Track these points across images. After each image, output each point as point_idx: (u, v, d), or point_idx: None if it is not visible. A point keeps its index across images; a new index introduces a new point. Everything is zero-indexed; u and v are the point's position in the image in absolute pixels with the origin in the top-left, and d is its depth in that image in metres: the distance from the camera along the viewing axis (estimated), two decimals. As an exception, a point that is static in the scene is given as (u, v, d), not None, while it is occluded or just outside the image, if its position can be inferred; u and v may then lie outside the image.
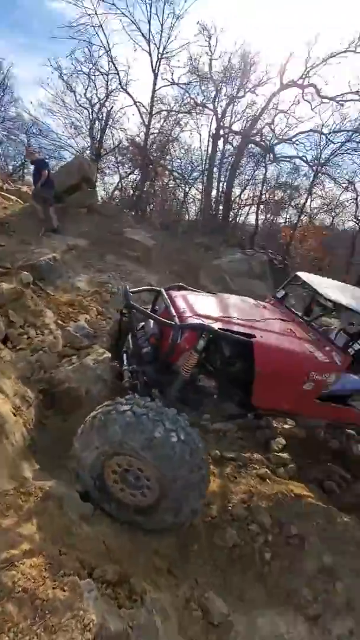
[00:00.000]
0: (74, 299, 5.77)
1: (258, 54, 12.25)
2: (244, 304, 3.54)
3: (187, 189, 15.10)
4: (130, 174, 14.22)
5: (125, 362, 3.04)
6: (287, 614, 2.15)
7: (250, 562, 2.54)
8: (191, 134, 14.58)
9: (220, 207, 13.95)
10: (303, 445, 4.10)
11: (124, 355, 3.14)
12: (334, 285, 3.80)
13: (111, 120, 12.15)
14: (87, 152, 12.58)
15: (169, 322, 2.68)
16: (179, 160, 14.88)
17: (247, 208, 15.69)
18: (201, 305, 3.06)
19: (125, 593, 1.78)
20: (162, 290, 3.29)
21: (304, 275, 3.83)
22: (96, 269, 7.28)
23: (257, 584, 2.41)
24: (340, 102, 10.87)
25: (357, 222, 15.34)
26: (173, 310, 2.84)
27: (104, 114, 12.32)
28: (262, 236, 14.81)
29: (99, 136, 12.45)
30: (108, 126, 12.28)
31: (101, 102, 12.28)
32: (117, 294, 6.33)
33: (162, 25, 11.19)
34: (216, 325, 2.71)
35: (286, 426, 4.37)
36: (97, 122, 12.41)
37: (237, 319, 2.98)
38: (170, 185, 14.51)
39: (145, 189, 12.80)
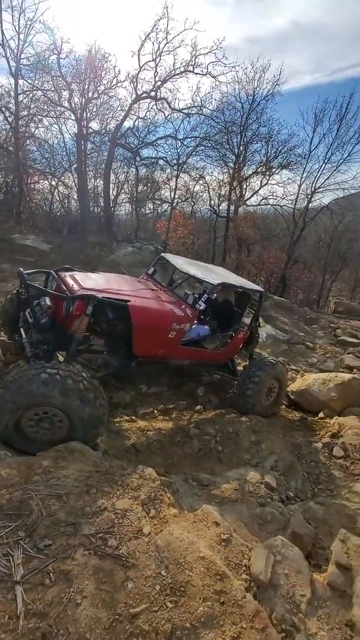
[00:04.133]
0: (-9, 311, 5.83)
1: (107, 57, 13.06)
2: (121, 279, 4.44)
3: (55, 185, 15.03)
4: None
5: (24, 336, 3.45)
6: (242, 468, 3.52)
7: (211, 455, 3.84)
8: (49, 130, 14.41)
9: (95, 204, 14.57)
10: (217, 386, 5.59)
11: (21, 330, 3.55)
12: (188, 262, 5.14)
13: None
14: None
15: (62, 294, 3.31)
16: (42, 158, 14.64)
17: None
18: (87, 281, 3.65)
19: (155, 476, 2.79)
20: (52, 271, 3.81)
21: (167, 256, 5.05)
22: (-4, 278, 7.20)
23: (219, 463, 3.72)
24: (188, 114, 12.97)
25: (213, 210, 18.27)
26: (64, 286, 3.46)
27: None
28: (129, 228, 16.08)
29: None
30: None
31: None
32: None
33: (18, 31, 10.82)
34: (100, 295, 3.35)
35: (203, 376, 5.81)
36: None
37: (116, 289, 3.71)
38: (40, 184, 14.23)
39: (20, 192, 12.32)
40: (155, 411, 4.52)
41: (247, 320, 5.32)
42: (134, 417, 4.26)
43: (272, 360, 4.84)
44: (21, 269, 3.46)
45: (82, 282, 3.60)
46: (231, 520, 2.36)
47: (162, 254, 5.12)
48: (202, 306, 4.18)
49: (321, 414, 5.14)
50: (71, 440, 2.84)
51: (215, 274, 4.77)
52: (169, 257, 4.99)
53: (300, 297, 20.55)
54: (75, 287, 3.47)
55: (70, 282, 3.57)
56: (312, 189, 16.57)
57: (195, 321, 4.71)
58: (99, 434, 3.07)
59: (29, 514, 2.02)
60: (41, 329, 3.29)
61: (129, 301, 3.55)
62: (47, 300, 3.38)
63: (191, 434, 4.09)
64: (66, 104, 12.99)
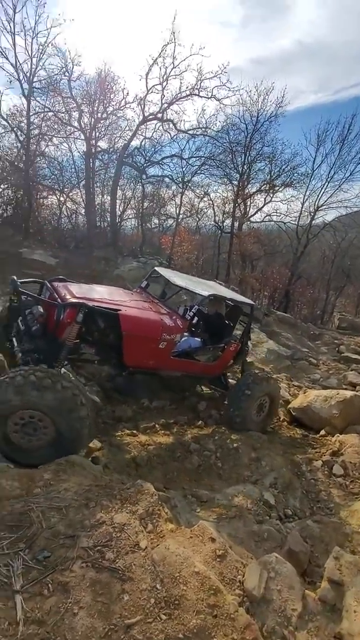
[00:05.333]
0: None
1: (116, 79, 13.61)
2: (114, 290, 4.53)
3: (63, 201, 15.48)
4: (1, 190, 13.80)
5: (16, 345, 3.47)
6: (241, 484, 3.53)
7: (210, 470, 3.86)
8: (58, 148, 14.96)
9: (102, 219, 14.98)
10: (218, 401, 5.62)
11: (14, 339, 3.56)
12: (180, 275, 5.25)
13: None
14: None
15: (53, 302, 3.39)
16: (52, 175, 15.13)
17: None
18: (79, 291, 3.71)
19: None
20: (46, 281, 3.91)
21: (159, 270, 5.14)
22: (5, 292, 7.36)
23: (218, 479, 3.74)
24: (193, 135, 13.44)
25: (217, 226, 18.60)
26: (56, 295, 3.55)
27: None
28: (135, 242, 16.41)
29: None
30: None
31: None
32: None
33: (30, 55, 11.46)
34: (91, 303, 3.43)
35: (205, 392, 5.84)
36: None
37: (108, 299, 3.78)
38: (48, 200, 14.68)
39: (29, 208, 12.74)
40: (156, 425, 4.56)
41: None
42: (135, 431, 4.30)
43: (264, 375, 4.85)
44: (14, 277, 3.54)
45: (74, 291, 3.69)
46: (227, 536, 2.39)
47: (155, 268, 5.22)
48: (192, 316, 4.26)
49: (322, 432, 5.13)
50: (64, 435, 2.83)
51: (207, 287, 4.87)
52: (162, 270, 5.10)
53: (304, 312, 20.58)
54: (67, 295, 3.55)
55: (63, 291, 3.66)
56: (315, 206, 16.83)
57: (186, 333, 4.77)
58: (84, 418, 2.90)
59: (30, 526, 2.08)
60: (32, 337, 3.34)
61: (120, 310, 3.62)
62: (40, 308, 3.45)
63: (191, 449, 4.12)
64: (76, 123, 13.51)
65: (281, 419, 5.49)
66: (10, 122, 12.41)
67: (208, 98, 12.88)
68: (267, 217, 17.98)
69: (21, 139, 12.32)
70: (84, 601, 1.64)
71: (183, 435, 4.50)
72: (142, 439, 4.19)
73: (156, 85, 12.89)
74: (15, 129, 12.12)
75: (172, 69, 12.58)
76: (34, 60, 11.71)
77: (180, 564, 1.86)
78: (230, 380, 5.63)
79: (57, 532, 2.07)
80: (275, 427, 5.22)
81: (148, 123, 13.53)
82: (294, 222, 17.73)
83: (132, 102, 13.28)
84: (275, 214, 17.67)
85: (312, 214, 16.88)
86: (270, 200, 17.37)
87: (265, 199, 17.34)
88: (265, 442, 4.45)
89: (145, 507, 2.31)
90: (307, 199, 17.08)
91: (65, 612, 1.58)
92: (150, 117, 12.93)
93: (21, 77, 11.59)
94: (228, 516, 2.82)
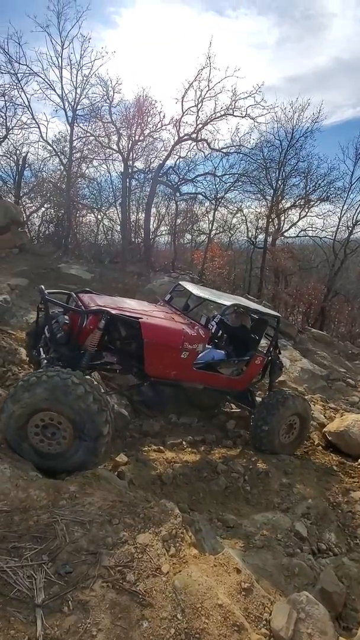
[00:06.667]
0: (35, 335, 6.25)
1: (153, 103, 14.20)
2: (137, 302, 4.61)
3: (100, 218, 16.18)
4: (45, 209, 14.80)
5: (42, 354, 3.60)
6: (270, 511, 3.36)
7: (238, 494, 3.71)
8: (97, 170, 15.78)
9: (137, 235, 15.47)
10: (248, 421, 5.44)
11: (41, 349, 3.70)
12: (203, 289, 5.25)
13: (27, 165, 12.76)
14: (11, 195, 12.84)
15: (77, 309, 3.52)
16: (90, 194, 15.94)
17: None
18: (103, 301, 3.85)
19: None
20: (72, 293, 4.06)
21: (183, 283, 5.15)
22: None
23: (246, 504, 3.58)
24: (226, 153, 13.67)
25: (251, 242, 18.47)
26: (81, 304, 3.67)
27: (21, 159, 12.81)
28: (168, 257, 16.67)
29: (17, 179, 12.83)
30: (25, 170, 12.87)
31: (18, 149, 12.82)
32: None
33: (75, 86, 12.42)
34: (113, 311, 3.53)
35: (234, 410, 5.69)
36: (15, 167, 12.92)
37: (130, 309, 3.87)
38: (87, 219, 15.43)
39: (69, 226, 13.49)
40: (183, 442, 4.48)
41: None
42: (162, 447, 4.25)
43: (293, 394, 4.62)
44: (42, 287, 3.68)
45: (98, 301, 3.82)
46: (254, 568, 2.26)
47: (179, 282, 5.26)
48: (214, 326, 4.20)
49: (361, 459, 4.80)
50: (78, 422, 2.80)
51: (231, 299, 4.82)
52: (185, 284, 5.14)
53: (342, 330, 19.65)
54: (91, 304, 3.67)
55: (87, 300, 3.79)
56: (354, 220, 16.28)
57: (210, 345, 4.71)
58: (84, 396, 2.79)
59: (54, 539, 2.08)
60: (57, 344, 3.44)
61: (141, 318, 3.66)
62: (65, 317, 3.59)
63: (219, 470, 3.99)
64: (114, 146, 14.18)
65: (315, 443, 5.20)
66: (55, 147, 13.39)
67: (242, 117, 13.07)
68: (302, 232, 17.63)
69: (64, 162, 13.16)
70: (103, 624, 1.60)
71: (210, 455, 4.39)
72: (168, 455, 4.13)
73: (191, 107, 13.31)
74: (59, 154, 12.99)
75: (207, 92, 12.94)
76: (78, 90, 12.60)
77: (202, 594, 1.77)
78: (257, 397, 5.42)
79: (79, 547, 2.05)
80: (308, 451, 4.95)
81: (183, 143, 13.94)
82: (330, 237, 17.22)
83: (168, 124, 13.78)
84: (310, 228, 17.29)
85: (350, 228, 16.33)
86: (306, 215, 17.06)
87: (300, 213, 17.07)
88: (297, 467, 4.24)
89: (168, 528, 2.24)
90: (344, 213, 16.59)
91: (83, 632, 1.54)
92: (185, 137, 13.31)
93: (66, 106, 12.49)
94: (255, 545, 2.68)
